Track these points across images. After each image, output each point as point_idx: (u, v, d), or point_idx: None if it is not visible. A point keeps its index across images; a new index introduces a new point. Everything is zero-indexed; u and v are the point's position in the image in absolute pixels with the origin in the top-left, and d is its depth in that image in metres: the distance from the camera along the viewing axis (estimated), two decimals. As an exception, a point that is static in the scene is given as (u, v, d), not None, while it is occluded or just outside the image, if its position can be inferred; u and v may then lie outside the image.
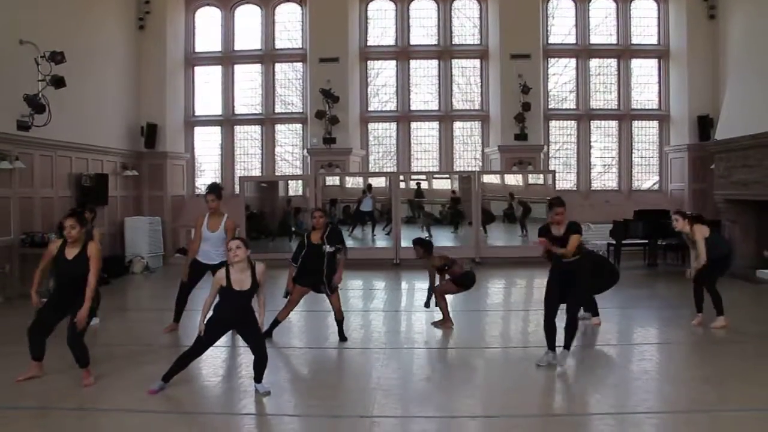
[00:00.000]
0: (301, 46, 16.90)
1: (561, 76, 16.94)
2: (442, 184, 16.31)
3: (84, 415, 5.56)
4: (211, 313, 5.96)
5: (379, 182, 16.21)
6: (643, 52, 16.78)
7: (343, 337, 7.97)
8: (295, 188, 16.52)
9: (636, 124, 16.94)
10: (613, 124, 16.97)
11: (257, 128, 17.31)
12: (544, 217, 15.18)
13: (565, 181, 16.83)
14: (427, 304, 8.63)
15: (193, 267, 8.26)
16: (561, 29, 16.78)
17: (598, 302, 8.61)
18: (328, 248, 7.78)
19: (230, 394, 6.12)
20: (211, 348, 6.65)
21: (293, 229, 15.67)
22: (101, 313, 10.16)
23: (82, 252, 6.22)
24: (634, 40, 16.73)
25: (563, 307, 6.82)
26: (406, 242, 15.24)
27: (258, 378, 6.01)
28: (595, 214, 15.18)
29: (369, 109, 17.17)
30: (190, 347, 6.08)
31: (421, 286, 12.48)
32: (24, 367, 6.36)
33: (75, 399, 5.90)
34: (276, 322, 7.98)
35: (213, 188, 8.46)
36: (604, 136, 17.10)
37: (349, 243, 15.53)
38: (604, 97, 17.00)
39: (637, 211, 14.53)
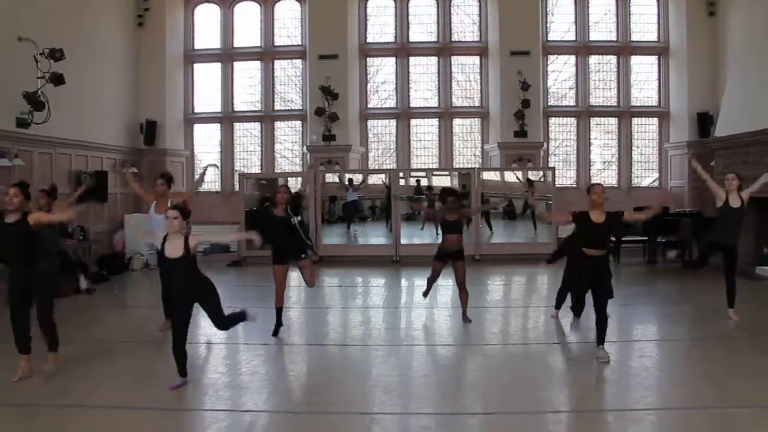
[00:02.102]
0: (300, 43, 16.88)
1: (560, 72, 16.92)
2: (442, 180, 16.32)
3: (82, 411, 5.58)
4: None
5: (377, 179, 16.23)
6: (643, 48, 16.76)
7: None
8: (295, 185, 16.52)
9: (636, 121, 16.92)
10: (613, 121, 16.96)
11: (257, 125, 17.30)
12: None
13: (565, 178, 16.82)
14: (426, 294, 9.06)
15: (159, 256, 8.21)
16: (560, 26, 16.75)
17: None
18: (295, 219, 8.01)
19: (230, 390, 6.12)
20: (211, 344, 6.66)
21: (297, 219, 15.60)
22: (104, 309, 10.22)
23: (22, 217, 6.25)
24: (634, 37, 16.71)
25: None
26: (405, 239, 15.28)
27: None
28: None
29: (368, 106, 17.16)
30: (173, 336, 6.14)
31: (421, 283, 12.55)
32: (15, 365, 6.38)
33: (72, 395, 5.92)
34: (278, 311, 8.08)
35: (164, 175, 8.70)
36: (603, 133, 17.09)
37: (335, 239, 15.75)
38: (603, 94, 16.97)
39: (637, 208, 14.48)
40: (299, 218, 8.14)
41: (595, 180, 16.73)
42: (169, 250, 6.03)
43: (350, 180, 15.89)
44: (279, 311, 8.10)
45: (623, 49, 16.66)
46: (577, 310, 8.06)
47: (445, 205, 8.53)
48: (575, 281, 7.38)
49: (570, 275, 8.23)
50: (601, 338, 6.86)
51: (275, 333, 8.03)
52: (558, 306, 8.73)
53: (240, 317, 6.68)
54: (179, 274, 6.07)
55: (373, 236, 16.21)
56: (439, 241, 8.78)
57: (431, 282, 9.04)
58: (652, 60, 16.80)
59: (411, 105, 17.09)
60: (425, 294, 9.30)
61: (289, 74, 17.31)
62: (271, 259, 8.02)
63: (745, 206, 8.59)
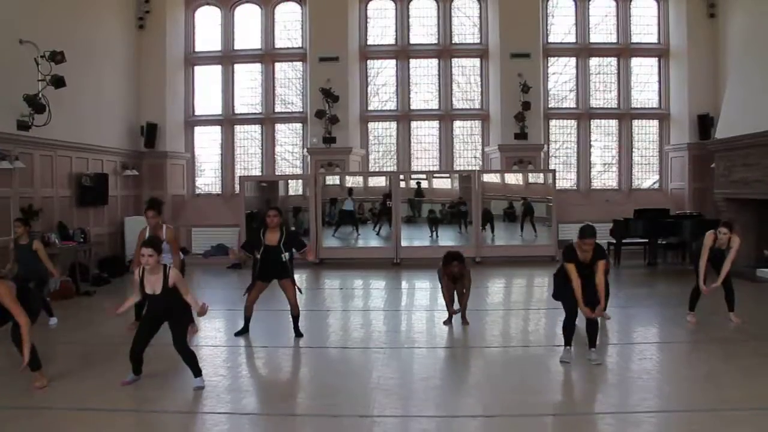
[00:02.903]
0: (300, 46, 16.89)
1: (561, 74, 16.92)
2: (443, 183, 16.34)
3: (81, 413, 5.58)
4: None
5: (377, 182, 16.23)
6: (643, 50, 16.77)
7: (298, 333, 8.13)
8: (295, 188, 16.55)
9: (636, 123, 16.92)
10: (613, 122, 16.96)
11: (257, 128, 17.30)
12: (545, 216, 15.31)
13: (565, 179, 16.83)
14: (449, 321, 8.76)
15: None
16: (561, 28, 16.76)
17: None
18: (285, 256, 7.97)
19: (231, 393, 6.12)
20: (211, 347, 6.67)
21: (293, 228, 15.63)
22: (104, 311, 10.22)
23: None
24: (634, 39, 16.72)
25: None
26: (405, 241, 15.28)
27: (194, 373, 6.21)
28: (595, 213, 15.13)
29: (369, 108, 17.16)
30: (133, 340, 6.29)
31: (422, 285, 12.56)
32: (14, 365, 6.35)
33: (72, 397, 5.92)
34: (247, 320, 8.20)
35: (152, 204, 8.39)
36: (604, 135, 17.09)
37: (335, 242, 15.73)
38: (604, 95, 16.98)
39: (638, 210, 14.53)
40: (289, 254, 8.10)
41: (594, 182, 16.83)
42: (148, 286, 6.08)
43: (350, 189, 15.88)
44: (247, 321, 8.22)
45: (623, 51, 16.67)
46: (569, 333, 7.09)
47: (447, 268, 8.48)
48: (563, 300, 7.07)
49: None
50: (592, 341, 6.89)
51: (239, 334, 8.14)
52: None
53: (193, 367, 6.25)
54: (156, 304, 6.14)
55: (374, 239, 16.20)
56: (437, 243, 8.76)
57: (450, 306, 8.78)
58: (653, 62, 16.81)
59: (411, 107, 17.10)
60: (446, 322, 8.75)
61: (289, 76, 17.31)
62: (252, 275, 8.15)
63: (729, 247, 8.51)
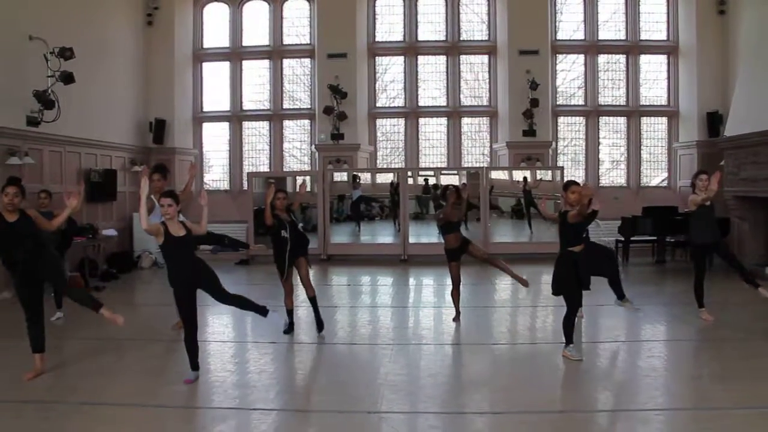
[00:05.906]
0: (309, 42, 16.90)
1: (569, 72, 16.87)
2: (450, 180, 16.30)
3: (91, 408, 5.60)
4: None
5: (386, 178, 16.22)
6: (652, 48, 16.67)
7: (320, 325, 8.07)
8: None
9: (645, 120, 16.84)
10: (622, 120, 16.89)
11: (265, 124, 17.33)
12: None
13: (574, 177, 16.71)
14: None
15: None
16: (569, 25, 16.69)
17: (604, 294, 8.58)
18: (301, 226, 8.38)
19: (239, 388, 6.14)
20: (219, 343, 6.68)
21: (301, 225, 15.62)
22: (113, 306, 10.27)
23: (21, 215, 6.43)
24: (643, 36, 16.61)
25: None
26: (413, 238, 15.28)
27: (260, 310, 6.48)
28: (604, 211, 15.00)
29: (377, 105, 17.15)
30: (185, 327, 6.28)
31: (429, 282, 12.56)
32: (26, 362, 6.42)
33: (81, 392, 5.95)
34: (290, 312, 8.11)
35: (159, 168, 8.46)
36: (612, 133, 17.03)
37: (343, 238, 15.78)
38: (612, 93, 16.90)
39: (646, 208, 14.48)
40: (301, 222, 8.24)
41: (602, 180, 16.79)
42: (174, 231, 6.18)
43: (354, 176, 15.88)
44: (290, 314, 8.15)
45: (632, 48, 16.59)
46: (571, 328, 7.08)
47: (455, 203, 8.42)
48: (565, 291, 6.99)
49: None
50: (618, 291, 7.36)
51: (287, 331, 8.07)
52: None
53: (259, 309, 6.53)
54: (182, 254, 6.19)
55: (381, 235, 16.20)
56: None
57: (456, 296, 8.74)
58: (662, 59, 16.72)
59: (419, 104, 17.07)
60: (455, 319, 8.72)
61: (297, 73, 17.32)
62: (281, 262, 7.99)
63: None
